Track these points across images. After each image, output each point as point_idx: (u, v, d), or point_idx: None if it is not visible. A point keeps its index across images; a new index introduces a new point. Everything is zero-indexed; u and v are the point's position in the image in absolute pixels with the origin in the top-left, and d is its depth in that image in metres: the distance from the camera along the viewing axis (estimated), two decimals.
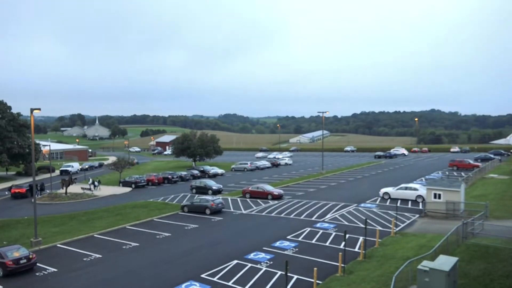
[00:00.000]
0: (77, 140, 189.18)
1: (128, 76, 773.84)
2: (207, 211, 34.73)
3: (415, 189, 37.00)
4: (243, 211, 35.42)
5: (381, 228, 26.59)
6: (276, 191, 41.59)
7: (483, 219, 25.09)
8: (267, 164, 76.28)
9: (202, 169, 66.18)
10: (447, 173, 56.15)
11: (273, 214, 33.51)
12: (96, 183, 53.09)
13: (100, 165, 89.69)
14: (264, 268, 20.39)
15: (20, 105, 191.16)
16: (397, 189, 38.13)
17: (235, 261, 21.65)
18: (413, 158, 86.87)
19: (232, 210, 36.25)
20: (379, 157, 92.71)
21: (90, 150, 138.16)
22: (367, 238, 22.99)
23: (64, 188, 49.89)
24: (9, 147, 63.99)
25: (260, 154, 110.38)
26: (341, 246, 21.94)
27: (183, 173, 62.22)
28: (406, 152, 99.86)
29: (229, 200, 40.56)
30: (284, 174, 64.10)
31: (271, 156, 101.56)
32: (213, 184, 47.80)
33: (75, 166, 78.85)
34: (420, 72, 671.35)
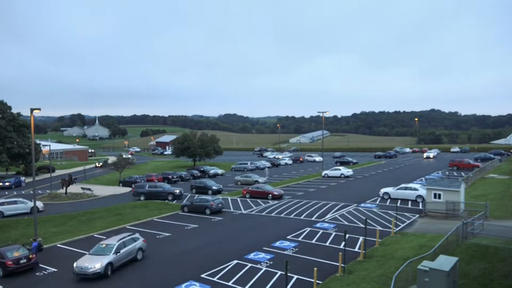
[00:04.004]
0: (77, 140, 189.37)
1: (128, 75, 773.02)
2: (207, 211, 34.74)
3: (415, 189, 36.99)
4: (243, 211, 35.43)
5: (381, 228, 26.59)
6: (276, 191, 41.60)
7: (483, 219, 25.10)
8: (267, 164, 76.29)
9: (202, 169, 66.20)
10: (447, 173, 56.14)
11: (273, 214, 33.51)
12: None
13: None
14: (264, 268, 20.39)
15: (20, 105, 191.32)
16: (397, 189, 38.13)
17: (235, 261, 21.65)
18: (413, 158, 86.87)
19: (232, 210, 36.25)
20: (379, 157, 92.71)
21: (92, 151, 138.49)
22: (367, 238, 23.00)
23: (64, 188, 49.89)
24: (9, 147, 64.02)
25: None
26: (341, 246, 21.95)
27: (183, 173, 62.24)
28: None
29: (229, 200, 40.56)
30: (284, 174, 64.13)
31: (271, 156, 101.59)
32: (213, 184, 47.80)
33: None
34: (420, 72, 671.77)
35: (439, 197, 30.27)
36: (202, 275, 19.76)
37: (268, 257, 22.23)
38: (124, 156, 68.24)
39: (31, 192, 49.43)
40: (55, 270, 22.02)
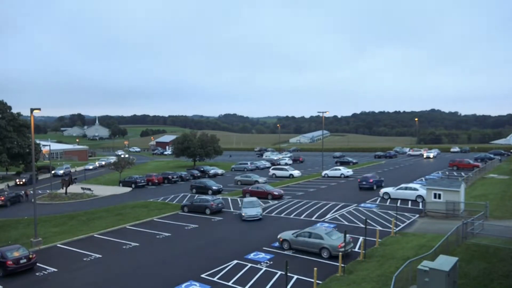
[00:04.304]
0: (77, 140, 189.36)
1: (128, 75, 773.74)
2: (207, 211, 34.73)
3: (415, 189, 36.97)
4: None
5: (381, 228, 26.59)
6: (276, 191, 41.58)
7: (483, 219, 25.09)
8: (267, 164, 76.33)
9: (202, 169, 66.20)
10: (447, 173, 56.13)
11: (273, 214, 33.50)
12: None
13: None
14: (264, 268, 20.39)
15: (20, 105, 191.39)
16: (397, 189, 38.12)
17: (235, 261, 21.66)
18: (413, 158, 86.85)
19: (232, 210, 36.23)
20: (379, 157, 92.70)
21: (92, 151, 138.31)
22: (367, 238, 22.99)
23: (64, 188, 49.89)
24: (9, 147, 64.04)
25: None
26: None
27: (183, 173, 62.25)
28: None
29: (229, 200, 40.54)
30: None
31: (271, 156, 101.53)
32: (213, 184, 47.81)
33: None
34: (420, 72, 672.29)
35: (439, 197, 30.27)
36: (202, 275, 19.76)
37: (268, 257, 22.24)
38: (121, 155, 68.05)
39: (31, 192, 49.41)
40: (55, 270, 22.02)
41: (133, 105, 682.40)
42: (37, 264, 22.64)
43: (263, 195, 40.99)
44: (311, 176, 59.22)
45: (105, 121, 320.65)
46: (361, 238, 23.43)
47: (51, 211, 39.51)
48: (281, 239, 23.98)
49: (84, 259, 23.73)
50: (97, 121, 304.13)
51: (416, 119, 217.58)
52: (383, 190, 39.29)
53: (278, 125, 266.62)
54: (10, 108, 68.13)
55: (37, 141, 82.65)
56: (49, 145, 74.22)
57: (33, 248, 26.11)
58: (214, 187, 46.50)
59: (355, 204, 35.98)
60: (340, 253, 19.41)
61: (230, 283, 18.61)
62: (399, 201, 35.17)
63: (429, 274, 13.97)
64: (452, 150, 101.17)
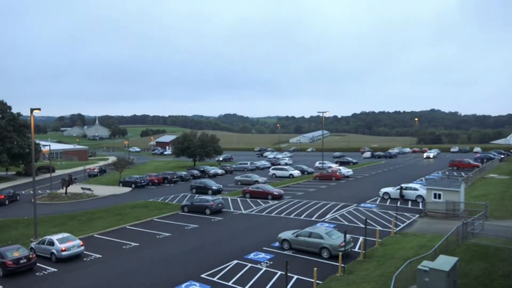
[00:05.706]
0: (77, 140, 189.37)
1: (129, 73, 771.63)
2: (207, 211, 34.74)
3: (415, 189, 36.98)
4: (243, 211, 35.42)
5: (381, 228, 26.59)
6: (276, 191, 41.57)
7: (483, 219, 25.08)
8: (267, 164, 76.34)
9: (202, 169, 66.24)
10: (447, 173, 56.13)
11: (273, 214, 33.51)
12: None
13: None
14: (264, 268, 20.39)
15: (21, 105, 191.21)
16: (397, 189, 38.13)
17: (235, 261, 21.65)
18: (413, 158, 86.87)
19: (232, 210, 36.24)
20: (379, 157, 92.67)
21: (92, 151, 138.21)
22: (367, 238, 22.98)
23: (64, 188, 49.91)
24: (9, 147, 64.04)
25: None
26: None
27: (183, 173, 62.26)
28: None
29: (229, 200, 40.56)
30: None
31: (271, 156, 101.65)
32: (213, 184, 47.82)
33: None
34: (420, 72, 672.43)
35: (439, 197, 30.26)
36: (202, 275, 19.76)
37: (268, 257, 22.23)
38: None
39: (31, 192, 49.43)
40: (55, 270, 22.03)
41: (133, 105, 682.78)
42: (37, 264, 22.67)
43: (263, 195, 41.02)
44: (311, 176, 59.21)
45: (105, 121, 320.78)
46: (361, 238, 23.43)
47: (51, 211, 39.53)
48: (281, 239, 23.96)
49: (84, 259, 23.74)
50: (97, 121, 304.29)
51: (416, 119, 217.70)
52: (383, 190, 39.30)
53: (278, 125, 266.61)
54: (10, 108, 68.15)
55: (37, 141, 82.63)
56: (49, 145, 74.25)
57: None
58: (214, 187, 46.51)
59: (355, 204, 35.98)
60: (340, 253, 19.35)
61: (230, 283, 18.61)
62: (399, 201, 35.18)
63: (429, 274, 13.97)
64: (452, 150, 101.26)
